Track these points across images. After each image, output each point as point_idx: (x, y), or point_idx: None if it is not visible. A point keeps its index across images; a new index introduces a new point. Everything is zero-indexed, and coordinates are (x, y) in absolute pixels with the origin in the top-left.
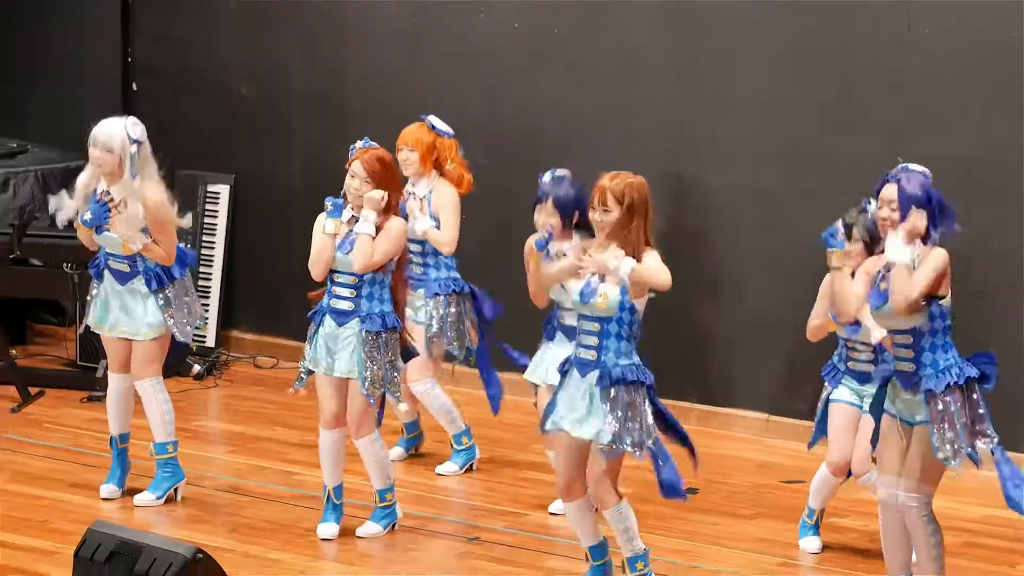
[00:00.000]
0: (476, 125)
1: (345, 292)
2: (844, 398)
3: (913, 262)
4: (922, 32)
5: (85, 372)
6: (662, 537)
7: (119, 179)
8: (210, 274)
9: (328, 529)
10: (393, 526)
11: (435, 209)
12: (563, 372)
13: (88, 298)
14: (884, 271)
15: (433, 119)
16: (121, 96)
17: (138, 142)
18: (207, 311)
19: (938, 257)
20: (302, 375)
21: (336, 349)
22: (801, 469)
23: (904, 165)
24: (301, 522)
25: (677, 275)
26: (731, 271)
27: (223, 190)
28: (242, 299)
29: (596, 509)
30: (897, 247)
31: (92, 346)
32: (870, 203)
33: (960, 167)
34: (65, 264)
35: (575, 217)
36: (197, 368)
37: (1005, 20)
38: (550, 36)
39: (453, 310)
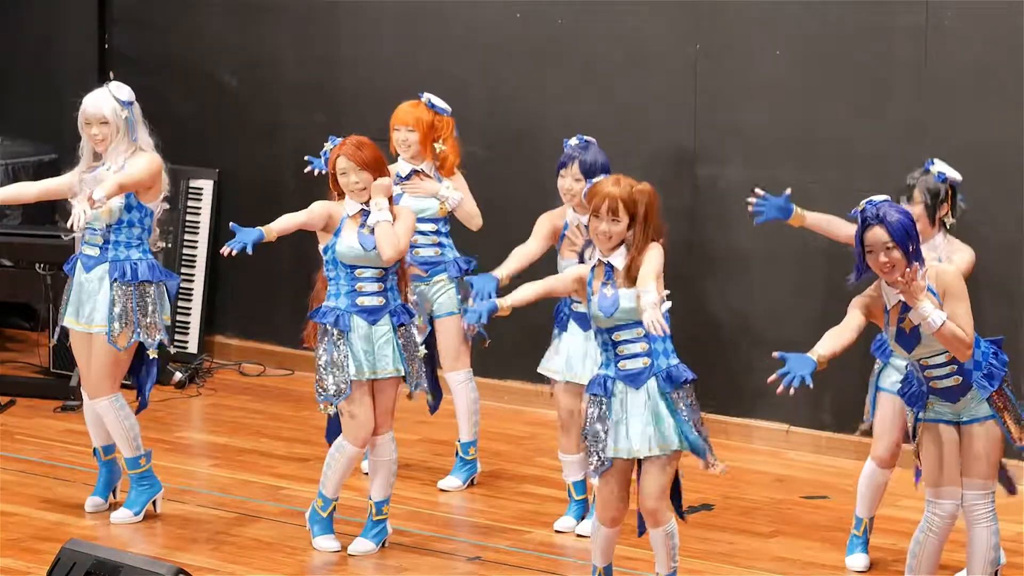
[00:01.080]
0: (476, 118)
1: (373, 287)
2: (891, 386)
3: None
4: (941, 22)
5: (59, 380)
6: None
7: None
8: (192, 275)
9: (334, 543)
10: (384, 543)
11: None
12: (608, 395)
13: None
14: (903, 311)
15: (431, 97)
16: (97, 85)
17: (128, 103)
18: (188, 315)
19: (956, 280)
20: (343, 388)
21: (373, 349)
22: (822, 484)
23: (869, 200)
24: (290, 540)
25: (687, 274)
26: (745, 269)
27: (206, 185)
28: (227, 302)
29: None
30: (929, 312)
31: (66, 353)
32: (933, 163)
33: (981, 158)
34: (38, 264)
35: None
36: (179, 376)
37: None
38: (553, 27)
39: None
